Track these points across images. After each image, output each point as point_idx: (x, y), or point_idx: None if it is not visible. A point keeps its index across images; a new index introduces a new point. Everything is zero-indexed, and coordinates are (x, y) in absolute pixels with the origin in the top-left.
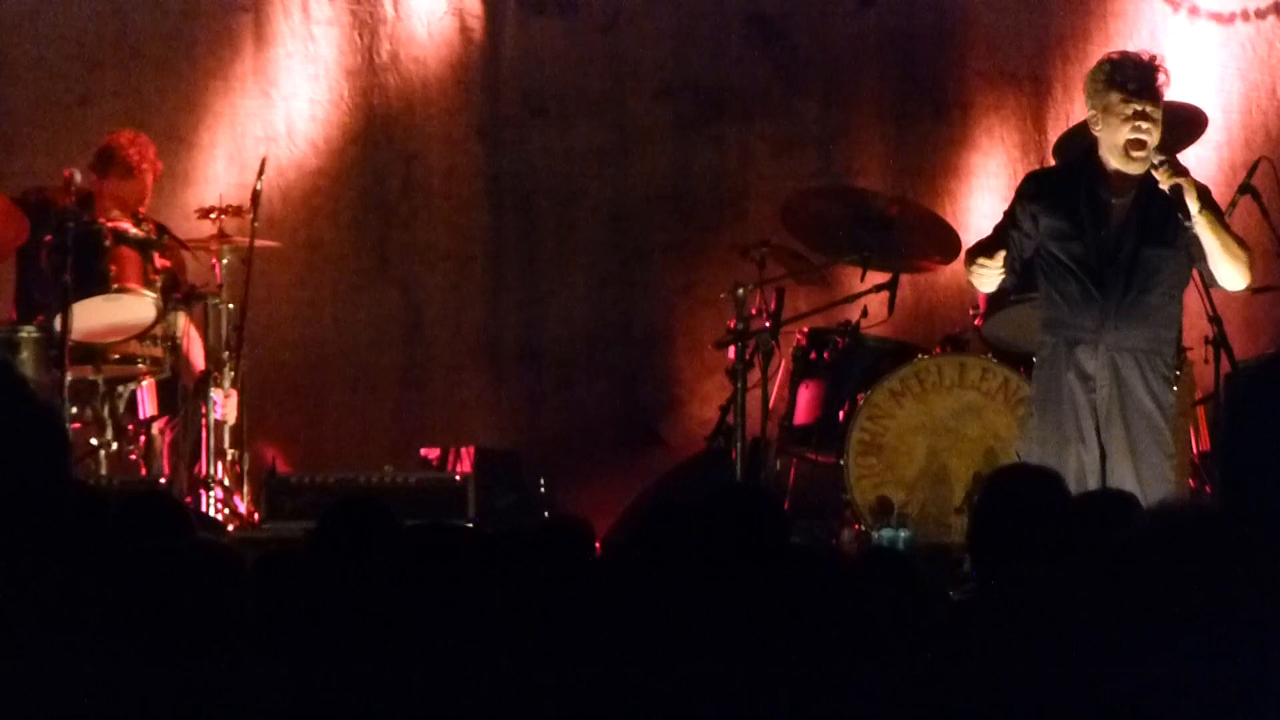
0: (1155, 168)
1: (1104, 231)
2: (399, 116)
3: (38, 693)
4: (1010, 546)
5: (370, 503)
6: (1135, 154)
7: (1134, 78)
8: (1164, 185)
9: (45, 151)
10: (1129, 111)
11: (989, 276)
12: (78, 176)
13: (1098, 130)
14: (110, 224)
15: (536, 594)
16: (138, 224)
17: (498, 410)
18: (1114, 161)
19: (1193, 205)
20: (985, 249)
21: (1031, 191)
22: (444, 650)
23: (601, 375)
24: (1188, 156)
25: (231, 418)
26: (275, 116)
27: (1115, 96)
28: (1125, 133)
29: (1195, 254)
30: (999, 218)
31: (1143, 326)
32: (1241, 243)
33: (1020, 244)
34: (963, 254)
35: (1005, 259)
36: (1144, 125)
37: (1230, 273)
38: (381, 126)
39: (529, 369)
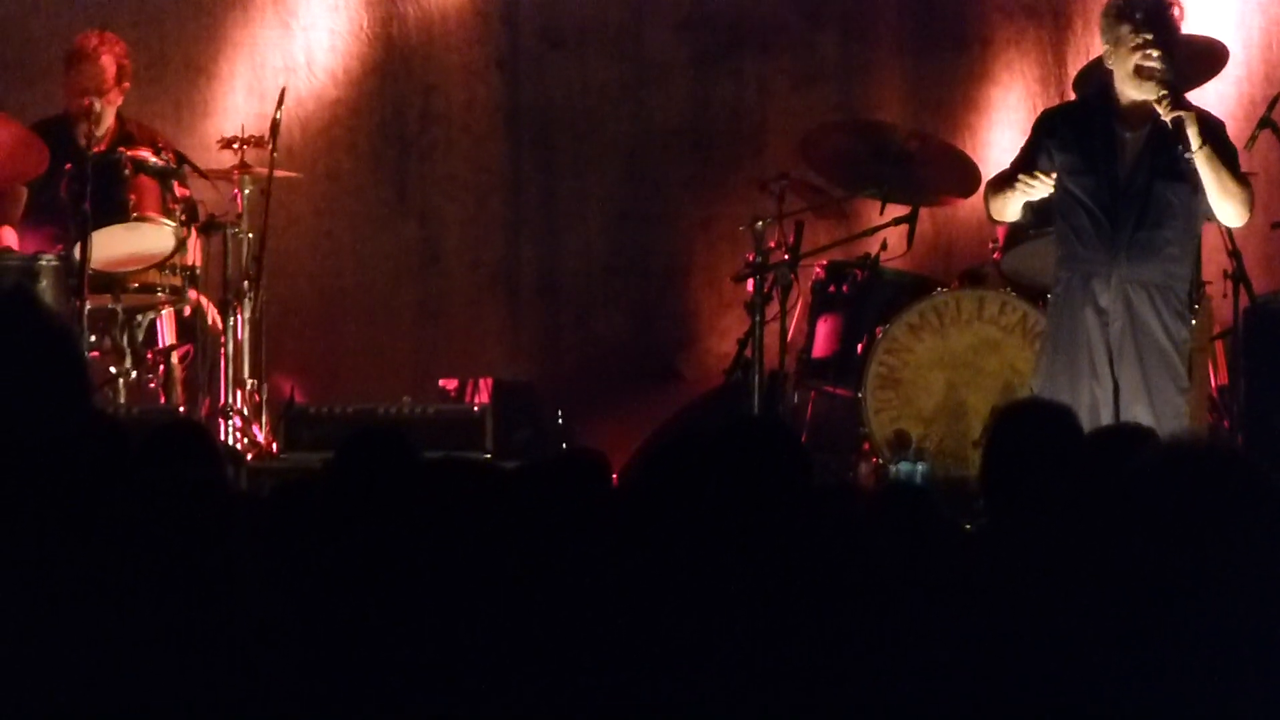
0: (1158, 101)
1: (1117, 165)
2: (418, 48)
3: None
4: (1021, 481)
5: (389, 433)
6: (1144, 81)
7: (1142, 7)
8: (1165, 118)
9: (64, 82)
10: (1138, 40)
11: (1014, 201)
12: (97, 105)
13: (1111, 64)
14: (130, 153)
15: (552, 529)
16: (157, 153)
17: (515, 343)
18: (1128, 94)
19: (1194, 139)
20: (1004, 182)
21: (1047, 127)
22: (457, 586)
23: (619, 309)
24: (1207, 91)
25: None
26: (294, 47)
27: (1125, 28)
28: (1134, 60)
29: (1198, 188)
30: (1018, 152)
31: (1156, 261)
32: (1240, 179)
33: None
34: (982, 188)
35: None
36: (1152, 53)
37: (1226, 209)
38: (400, 58)
39: (547, 302)
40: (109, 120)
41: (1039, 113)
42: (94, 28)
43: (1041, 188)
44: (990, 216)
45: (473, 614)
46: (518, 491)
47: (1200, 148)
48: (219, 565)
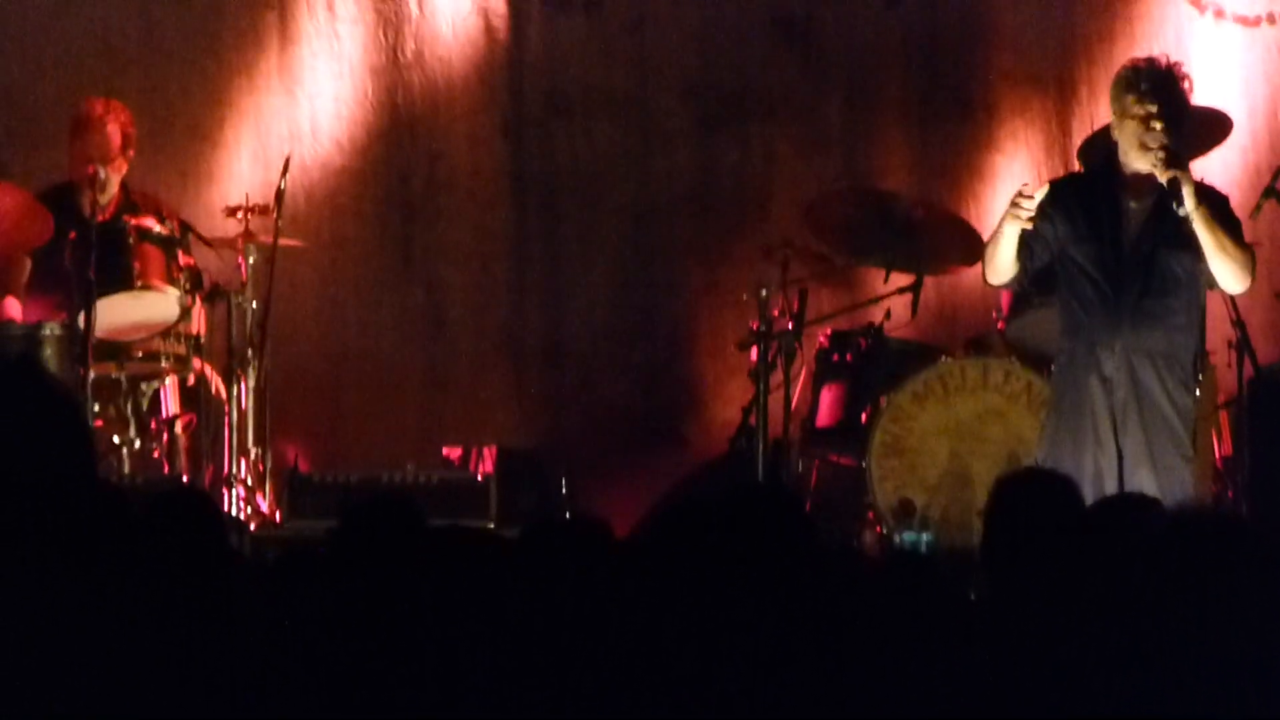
0: (1155, 162)
1: (1122, 234)
2: (423, 115)
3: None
4: (1022, 551)
5: (396, 501)
6: (1145, 152)
7: (1148, 79)
8: (1162, 178)
9: (69, 149)
10: (1141, 112)
11: (1006, 238)
12: (102, 173)
13: (1117, 134)
14: (135, 221)
15: (555, 596)
16: (162, 221)
17: (520, 409)
18: (1132, 164)
19: (1188, 199)
20: (987, 246)
21: (1050, 198)
22: (460, 651)
23: (624, 375)
24: (1211, 160)
25: None
26: (300, 114)
27: (1130, 98)
28: (1137, 133)
29: (1203, 257)
30: None
31: (1160, 330)
32: (1239, 243)
33: (1038, 249)
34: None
35: (1022, 250)
36: (1156, 125)
37: (1225, 273)
38: (406, 125)
39: (552, 368)
40: (114, 188)
41: (1045, 180)
42: (100, 95)
43: (1029, 208)
44: (986, 278)
45: (476, 680)
46: (519, 559)
47: (1197, 208)
48: (223, 631)
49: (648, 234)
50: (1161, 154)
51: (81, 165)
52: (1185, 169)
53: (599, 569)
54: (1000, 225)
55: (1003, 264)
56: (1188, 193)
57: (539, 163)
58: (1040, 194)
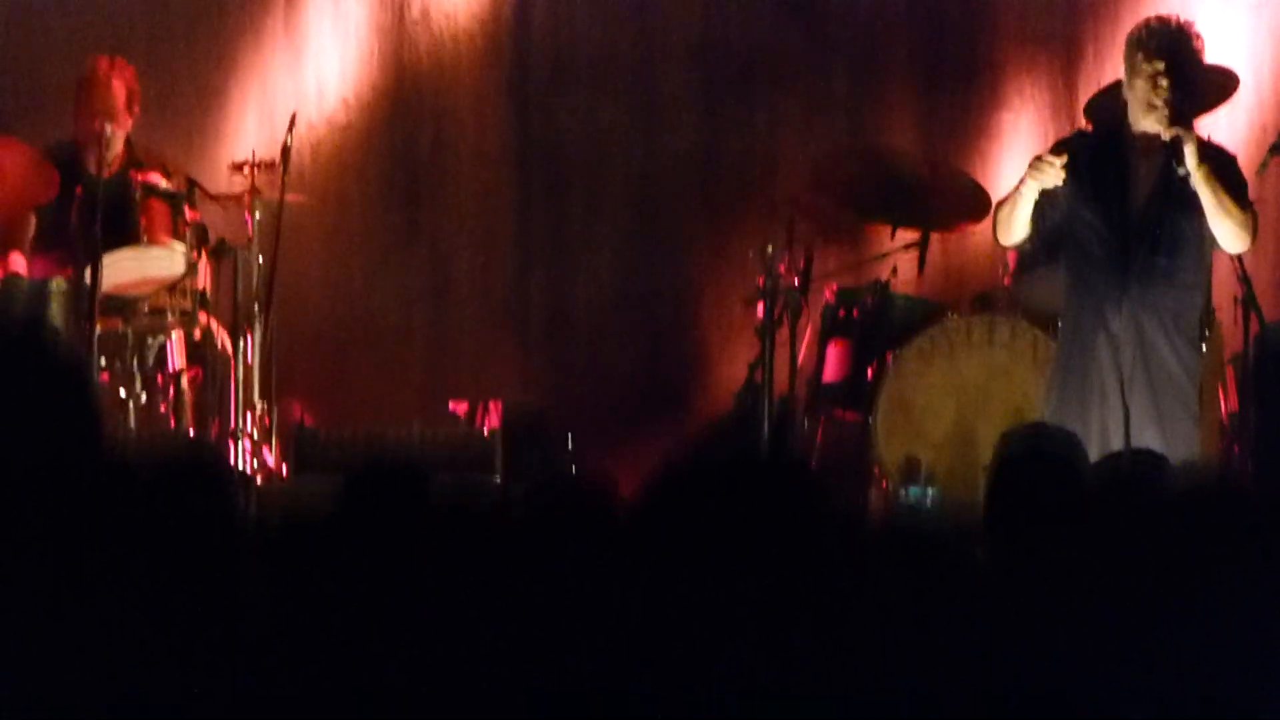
0: (1159, 122)
1: (1130, 193)
2: (429, 73)
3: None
4: (1026, 508)
5: (400, 463)
6: (1151, 111)
7: (1158, 38)
8: (1165, 136)
9: (74, 106)
10: (1149, 70)
11: (1024, 200)
12: (108, 129)
13: (1128, 93)
14: (141, 177)
15: (560, 554)
16: (168, 177)
17: (525, 369)
18: (1140, 123)
19: (1191, 160)
20: (1002, 206)
21: (1059, 154)
22: (464, 612)
23: (629, 334)
24: (1218, 118)
25: None
26: (306, 72)
27: (1139, 57)
28: (1145, 91)
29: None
30: None
31: (1167, 288)
32: (1240, 204)
33: (1049, 209)
34: (992, 213)
35: (1035, 210)
36: (1162, 83)
37: (1224, 233)
38: (411, 83)
39: (557, 328)
40: (119, 145)
41: (1051, 139)
42: (106, 52)
43: (1053, 172)
44: (997, 237)
45: (480, 641)
46: (524, 517)
47: (1198, 167)
48: (228, 596)
49: (653, 194)
50: (1165, 111)
51: (87, 122)
52: (1189, 127)
53: (605, 526)
54: (1019, 186)
55: (1018, 224)
56: (1189, 151)
57: (545, 123)
58: (1062, 165)
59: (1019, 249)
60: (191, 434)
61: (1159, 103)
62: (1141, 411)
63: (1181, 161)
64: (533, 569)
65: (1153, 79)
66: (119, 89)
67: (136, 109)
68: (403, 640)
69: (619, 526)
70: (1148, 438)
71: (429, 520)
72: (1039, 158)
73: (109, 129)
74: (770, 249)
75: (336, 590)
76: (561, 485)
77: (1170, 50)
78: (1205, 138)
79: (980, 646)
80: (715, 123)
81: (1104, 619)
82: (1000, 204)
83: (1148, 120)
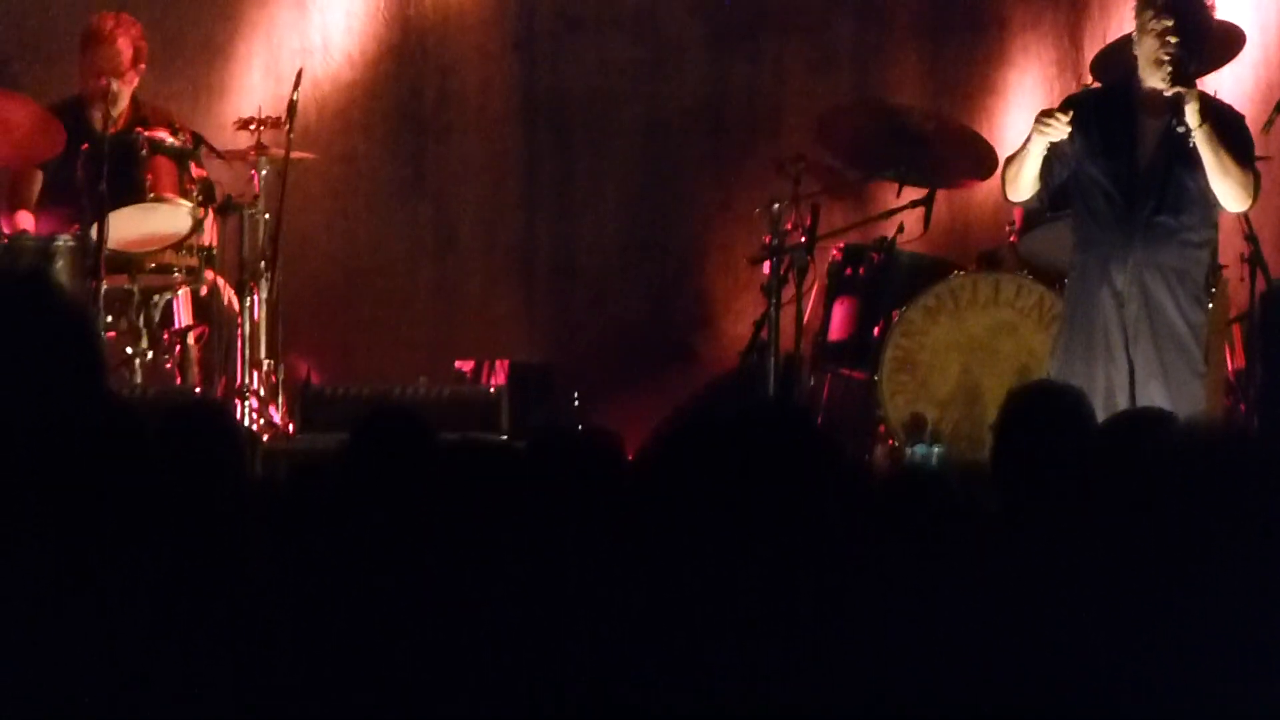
0: (1163, 80)
1: (1137, 150)
2: (434, 29)
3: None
4: (1033, 464)
5: (404, 415)
6: (1159, 68)
7: None
8: (1167, 92)
9: (80, 63)
10: (1158, 28)
11: (1031, 156)
12: (114, 86)
13: (1136, 50)
14: (147, 134)
15: (565, 508)
16: (174, 134)
17: (531, 324)
18: (1149, 80)
19: (1192, 116)
20: (1010, 162)
21: (1067, 111)
22: (470, 567)
23: (635, 290)
24: (1223, 75)
25: None
26: (311, 28)
27: (1148, 14)
28: (1153, 48)
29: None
30: None
31: (1172, 245)
32: (1242, 164)
33: (1058, 166)
34: (999, 171)
35: (1044, 166)
36: (1170, 40)
37: (1224, 192)
38: (416, 39)
39: (563, 283)
40: (124, 102)
41: (1057, 95)
42: (111, 9)
43: (1060, 127)
44: (1005, 194)
45: (485, 595)
46: (528, 469)
47: (1200, 125)
48: (236, 549)
49: (659, 150)
50: (1169, 69)
51: (92, 79)
52: (1192, 86)
53: (609, 480)
54: (1026, 143)
55: (1025, 181)
56: (1191, 110)
57: (550, 78)
58: (1068, 121)
59: (1026, 206)
60: (197, 391)
61: (1166, 59)
62: (1146, 368)
63: (1183, 120)
64: (537, 523)
65: (1161, 36)
66: (124, 46)
67: (142, 66)
68: (407, 596)
69: (623, 481)
70: (1153, 394)
71: (433, 475)
72: (1045, 112)
73: (114, 86)
74: (776, 206)
75: (342, 541)
76: (564, 440)
77: (1180, 7)
78: (1213, 94)
79: (989, 600)
80: (721, 76)
81: (1111, 571)
82: (1009, 160)
83: (1155, 77)
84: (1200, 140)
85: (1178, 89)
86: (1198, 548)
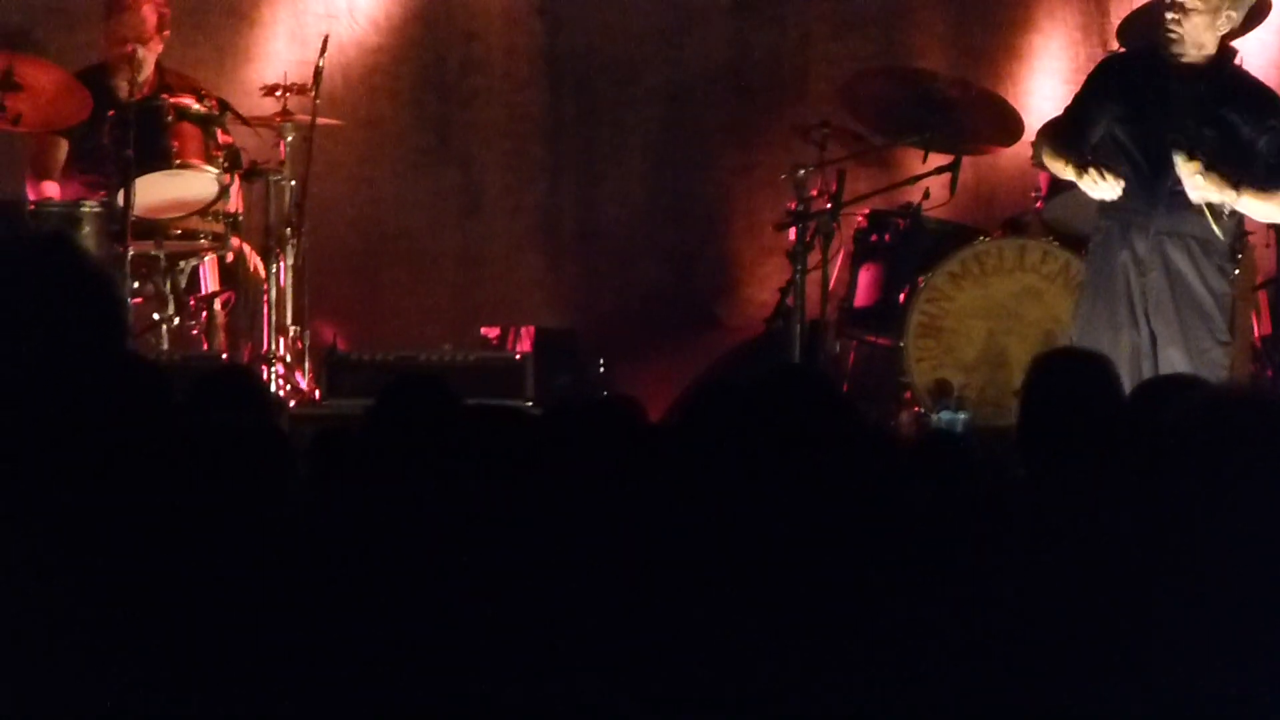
0: (1190, 190)
1: (1165, 116)
2: None
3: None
4: (1058, 430)
5: (428, 380)
6: (1168, 44)
7: None
8: (1191, 209)
9: (104, 30)
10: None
11: (1070, 177)
12: (140, 52)
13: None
14: (173, 100)
15: (587, 474)
16: (200, 100)
17: (556, 290)
18: (1182, 53)
19: (1225, 202)
20: (1065, 147)
21: (1102, 75)
22: (494, 530)
23: (660, 256)
24: (1249, 40)
25: None
26: None
27: None
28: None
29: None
30: (1059, 100)
31: (1195, 214)
32: (1273, 192)
33: (1091, 133)
34: (1025, 136)
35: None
36: (1171, 15)
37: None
38: (441, 4)
39: (587, 248)
40: (149, 69)
41: (1082, 61)
42: None
43: (1109, 188)
44: (1039, 161)
45: (509, 560)
46: (549, 436)
47: (1237, 200)
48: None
49: (683, 114)
50: (1201, 181)
51: (117, 46)
52: (1213, 183)
53: (630, 446)
54: (1071, 170)
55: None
56: (1222, 203)
57: (574, 43)
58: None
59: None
60: (224, 357)
61: (1174, 34)
62: (1166, 335)
63: (1219, 216)
64: (558, 489)
65: (1168, 9)
66: (149, 13)
67: (166, 32)
68: (432, 560)
69: (643, 447)
70: (1174, 361)
71: (457, 441)
72: (1105, 66)
73: (139, 52)
74: (802, 172)
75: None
76: (585, 405)
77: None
78: (1245, 81)
79: (1013, 562)
80: (745, 39)
81: (1138, 537)
82: (1048, 135)
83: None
84: (1244, 207)
85: (1201, 203)
86: (1222, 513)
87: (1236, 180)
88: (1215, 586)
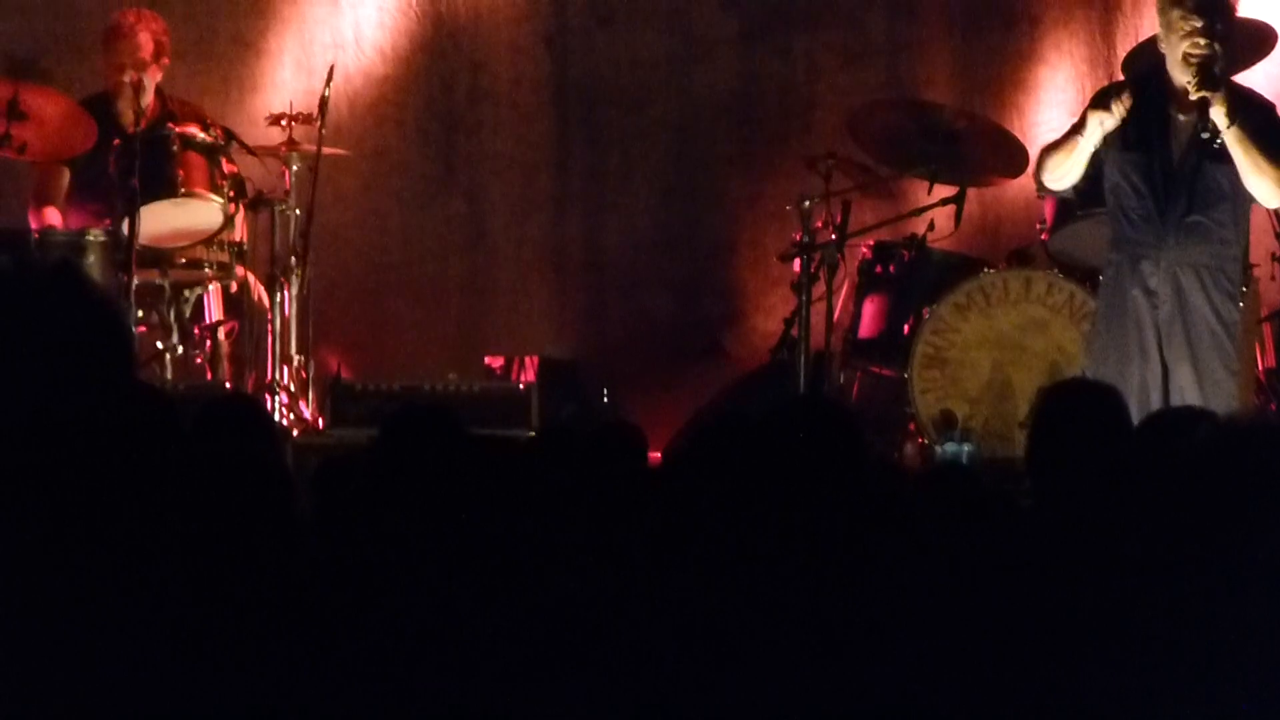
0: (1190, 81)
1: (1169, 147)
2: (466, 24)
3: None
4: (1067, 461)
5: (435, 410)
6: (1189, 67)
7: None
8: (1193, 96)
9: (103, 59)
10: (1186, 28)
11: (1085, 140)
12: (142, 80)
13: (1164, 47)
14: (178, 129)
15: (592, 505)
16: (205, 129)
17: (561, 320)
18: (1178, 78)
19: (1220, 119)
20: (1061, 141)
21: (1103, 103)
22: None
23: (665, 286)
24: (1256, 72)
25: None
26: (343, 23)
27: (1175, 13)
28: (1182, 46)
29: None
30: (1071, 125)
31: (1205, 242)
32: (1273, 159)
33: (1092, 157)
34: (1030, 168)
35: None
36: (1200, 41)
37: (1259, 189)
38: (448, 34)
39: (593, 279)
40: (149, 97)
41: (1088, 93)
42: (139, 4)
43: (1120, 110)
44: (1042, 182)
45: (512, 591)
46: (553, 464)
47: (1229, 127)
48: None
49: (689, 145)
50: (1196, 74)
51: (116, 73)
52: (1217, 88)
53: (631, 474)
54: (1076, 131)
55: (1074, 170)
56: (1218, 112)
57: (581, 73)
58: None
59: (1060, 195)
60: (228, 386)
61: (1194, 60)
62: (1180, 367)
63: (1209, 124)
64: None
65: (1190, 35)
66: (145, 41)
67: (165, 60)
68: (436, 590)
69: (645, 476)
70: (1186, 392)
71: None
72: (1104, 92)
73: (143, 79)
74: (807, 203)
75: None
76: (587, 435)
77: (1208, 7)
78: (1244, 87)
79: (1021, 598)
80: (752, 70)
81: (1145, 568)
82: (1050, 149)
83: (1184, 76)
84: (1230, 141)
85: (1203, 94)
86: (1234, 545)
87: (1236, 118)
88: (1225, 618)
